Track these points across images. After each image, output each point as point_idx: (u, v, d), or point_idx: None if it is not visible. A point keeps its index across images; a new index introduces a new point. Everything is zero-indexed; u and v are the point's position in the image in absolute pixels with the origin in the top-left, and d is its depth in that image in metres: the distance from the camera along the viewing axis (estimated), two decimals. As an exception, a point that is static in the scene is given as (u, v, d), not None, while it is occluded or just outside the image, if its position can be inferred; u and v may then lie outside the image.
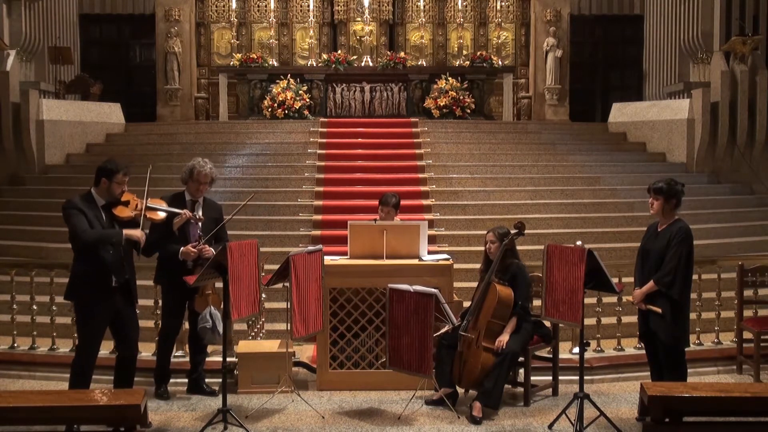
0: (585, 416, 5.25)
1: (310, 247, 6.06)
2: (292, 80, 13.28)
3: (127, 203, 5.38)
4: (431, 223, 9.23)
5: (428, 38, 15.19)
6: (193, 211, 5.89)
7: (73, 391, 5.13)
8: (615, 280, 5.75)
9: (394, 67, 13.69)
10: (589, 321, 6.32)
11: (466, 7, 15.12)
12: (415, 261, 6.25)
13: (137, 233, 5.30)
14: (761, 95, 11.32)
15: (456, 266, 6.60)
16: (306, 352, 7.07)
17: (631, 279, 5.75)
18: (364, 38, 14.50)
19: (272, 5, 14.49)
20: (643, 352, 5.85)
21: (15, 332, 6.89)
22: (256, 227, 9.41)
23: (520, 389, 6.07)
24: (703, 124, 11.40)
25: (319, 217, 9.65)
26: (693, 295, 5.87)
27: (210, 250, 5.74)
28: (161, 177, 8.44)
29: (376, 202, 6.90)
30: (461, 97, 13.23)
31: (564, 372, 6.24)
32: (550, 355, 6.27)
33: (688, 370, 5.56)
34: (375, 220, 6.61)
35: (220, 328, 5.74)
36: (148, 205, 5.46)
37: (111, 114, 12.69)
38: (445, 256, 6.52)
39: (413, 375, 5.61)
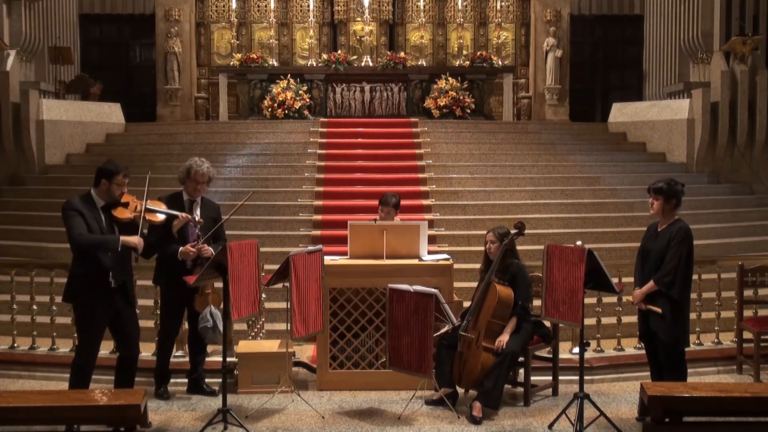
0: (585, 416, 5.25)
1: (310, 247, 6.06)
2: (292, 80, 13.27)
3: (126, 205, 5.36)
4: (431, 223, 9.22)
5: (428, 38, 15.18)
6: (192, 211, 5.89)
7: (73, 391, 5.13)
8: (615, 280, 5.75)
9: (394, 67, 13.68)
10: (589, 321, 6.32)
11: (466, 7, 15.11)
12: (415, 261, 6.24)
13: (134, 240, 5.25)
14: (761, 95, 11.31)
15: (456, 266, 6.60)
16: (306, 352, 7.07)
17: (631, 279, 5.75)
18: (364, 38, 14.49)
19: (272, 5, 14.48)
20: (643, 352, 5.85)
21: (15, 332, 6.89)
22: (256, 227, 9.41)
23: (520, 389, 6.07)
24: (703, 124, 11.40)
25: (319, 217, 9.65)
26: (693, 295, 5.87)
27: (209, 250, 5.73)
28: (161, 177, 8.43)
29: (376, 202, 6.89)
30: (461, 97, 13.22)
31: (564, 372, 6.24)
32: (550, 355, 6.27)
33: (688, 370, 5.56)
34: (375, 220, 6.61)
35: (221, 327, 5.74)
36: (147, 207, 5.45)
37: (111, 114, 12.69)
38: (445, 256, 6.51)
39: (413, 375, 5.61)
